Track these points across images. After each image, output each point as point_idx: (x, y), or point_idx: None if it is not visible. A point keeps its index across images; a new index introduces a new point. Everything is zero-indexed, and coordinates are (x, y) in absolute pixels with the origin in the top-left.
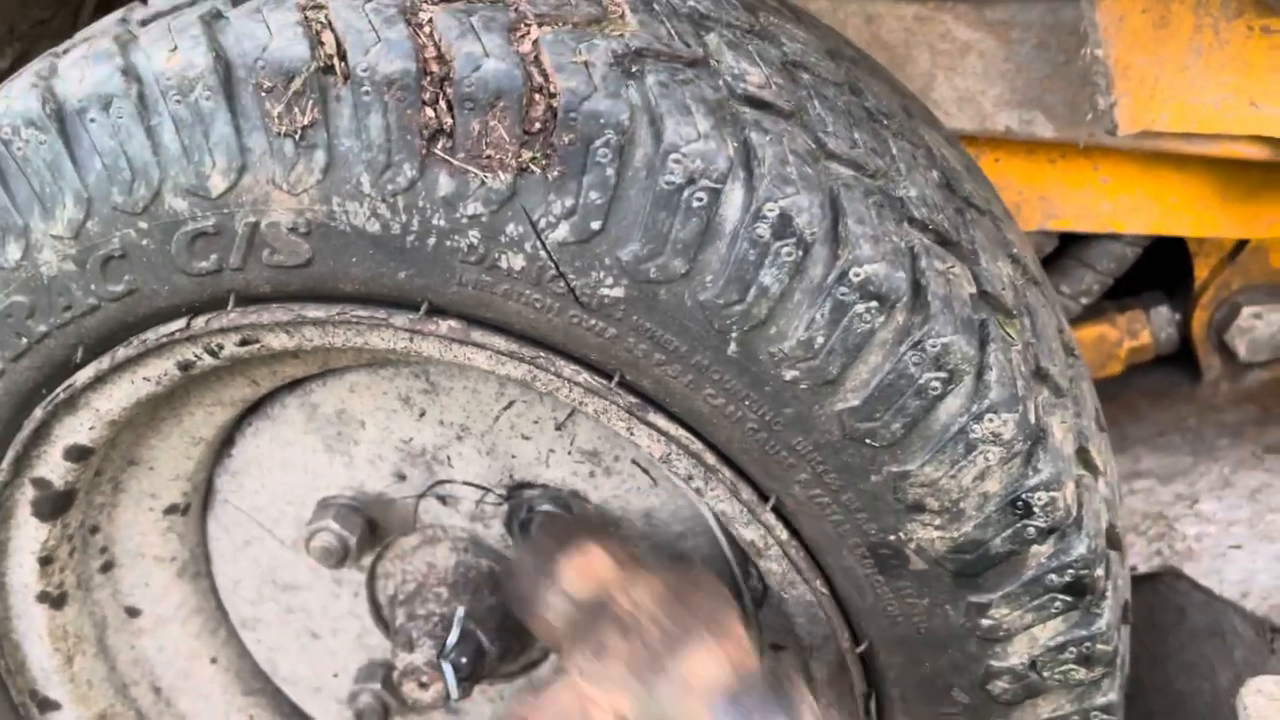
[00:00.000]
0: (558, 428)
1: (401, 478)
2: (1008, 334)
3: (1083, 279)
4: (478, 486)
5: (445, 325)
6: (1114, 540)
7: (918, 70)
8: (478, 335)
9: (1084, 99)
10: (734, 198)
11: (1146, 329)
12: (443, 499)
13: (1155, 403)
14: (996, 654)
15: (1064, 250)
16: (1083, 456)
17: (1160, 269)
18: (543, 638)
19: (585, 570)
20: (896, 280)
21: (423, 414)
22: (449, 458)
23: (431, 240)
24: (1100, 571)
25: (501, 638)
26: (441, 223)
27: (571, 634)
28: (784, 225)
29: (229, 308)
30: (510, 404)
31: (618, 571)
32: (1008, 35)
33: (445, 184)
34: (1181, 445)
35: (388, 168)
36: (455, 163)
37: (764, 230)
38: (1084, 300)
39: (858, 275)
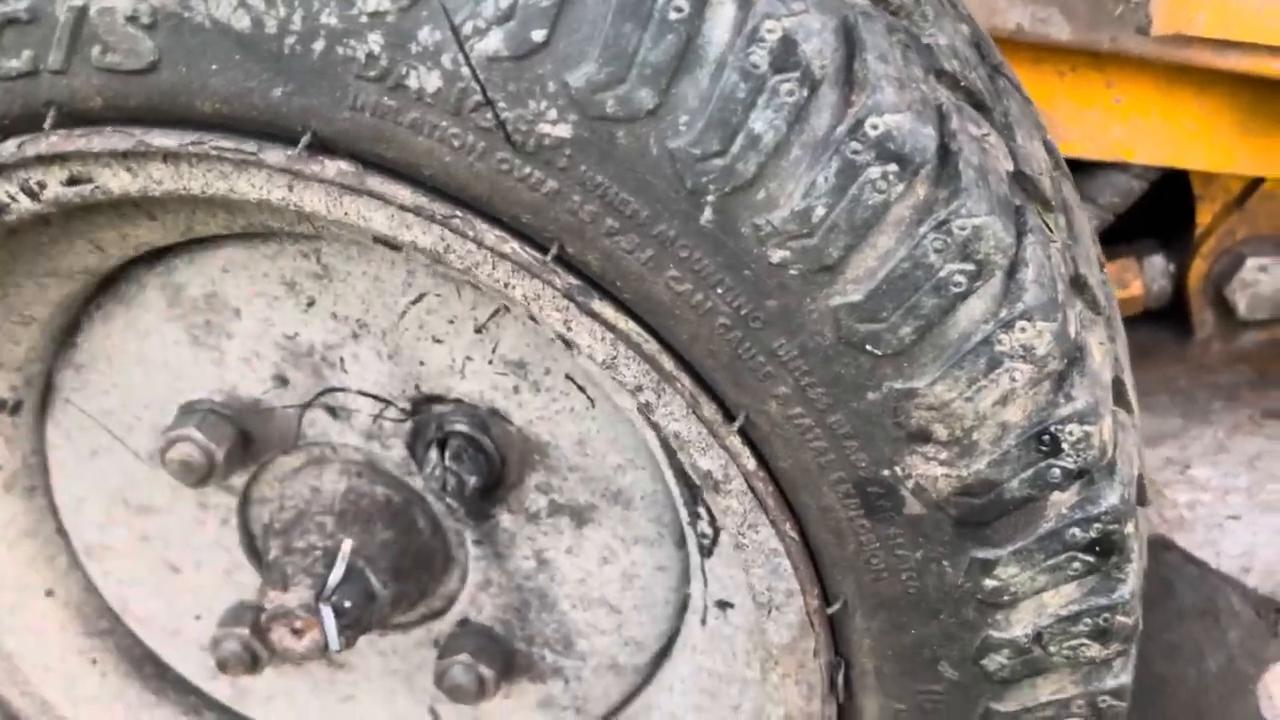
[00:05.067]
0: (478, 330)
1: (283, 382)
2: (1046, 226)
3: None
4: (376, 398)
5: (334, 166)
6: (1142, 494)
7: None
8: (376, 183)
9: None
10: (724, 11)
11: (1138, 279)
12: (333, 411)
13: (1141, 361)
14: (998, 622)
15: None
16: (1118, 389)
17: (1156, 215)
18: None
19: None
20: (923, 139)
21: (311, 304)
22: (342, 360)
23: (318, 45)
24: (1130, 528)
25: (396, 580)
26: (332, 21)
27: None
28: (786, 53)
29: (48, 127)
30: (420, 297)
31: None
32: None
33: None
34: (1170, 406)
35: None
36: None
37: (760, 57)
38: None
39: (875, 128)
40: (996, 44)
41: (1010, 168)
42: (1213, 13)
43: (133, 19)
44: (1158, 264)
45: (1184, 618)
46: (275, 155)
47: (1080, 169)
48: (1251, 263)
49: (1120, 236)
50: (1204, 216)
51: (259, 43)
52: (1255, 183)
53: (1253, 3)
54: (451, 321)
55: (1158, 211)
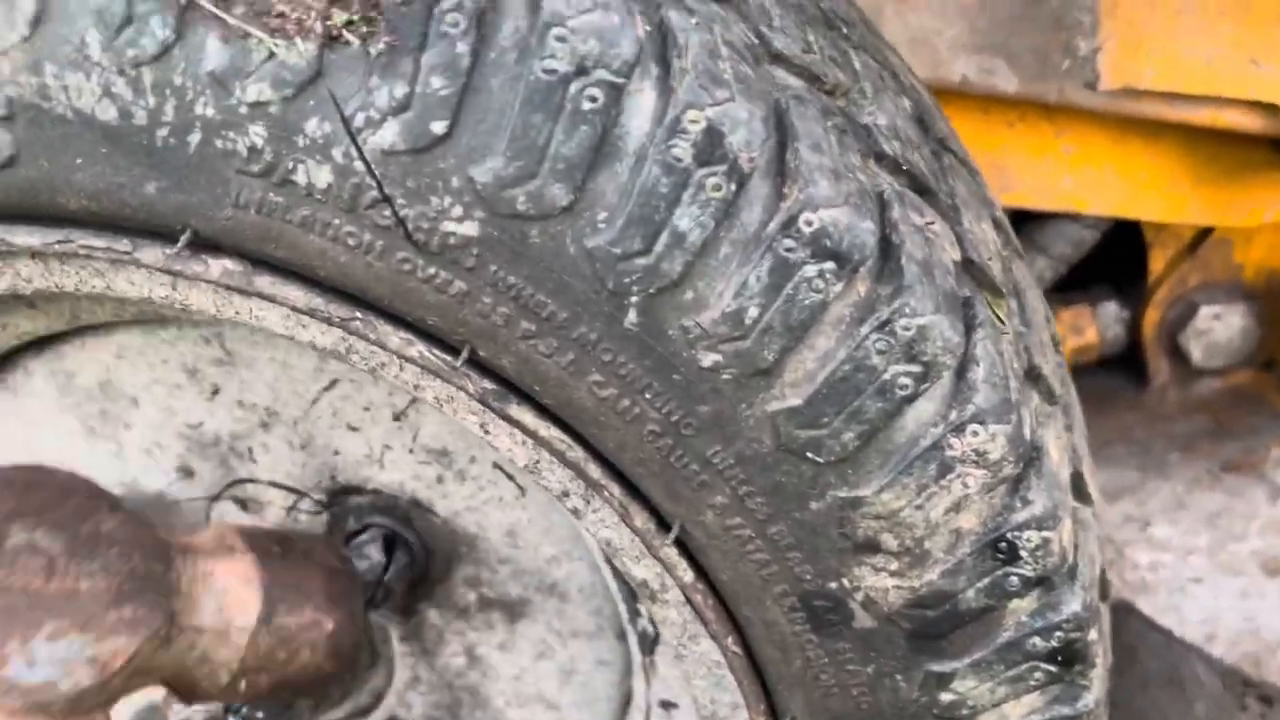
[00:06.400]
0: (396, 417)
1: (188, 474)
2: (997, 318)
3: (1034, 264)
4: (289, 489)
5: (219, 266)
6: (1105, 590)
7: (865, 2)
8: (265, 283)
9: (1056, 46)
10: (643, 100)
11: (1092, 326)
12: (243, 503)
13: (1098, 409)
14: None
15: (1015, 230)
16: (1076, 483)
17: (1110, 262)
18: None
19: None
20: (862, 233)
21: (216, 391)
22: (251, 450)
23: (194, 138)
24: (1094, 634)
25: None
26: (209, 112)
27: None
28: (712, 144)
29: None
30: (333, 383)
31: None
32: None
33: (216, 53)
34: (1127, 458)
35: (128, 23)
36: (231, 20)
37: (683, 150)
38: None
39: (810, 223)
40: (943, 96)
41: (958, 256)
42: (1161, 66)
43: None
44: (1112, 311)
45: (1149, 686)
46: (152, 254)
47: (1031, 218)
48: (1205, 310)
49: (1074, 283)
50: (1156, 264)
51: (128, 135)
52: (1207, 229)
53: (1201, 55)
54: (367, 409)
55: (1111, 257)
